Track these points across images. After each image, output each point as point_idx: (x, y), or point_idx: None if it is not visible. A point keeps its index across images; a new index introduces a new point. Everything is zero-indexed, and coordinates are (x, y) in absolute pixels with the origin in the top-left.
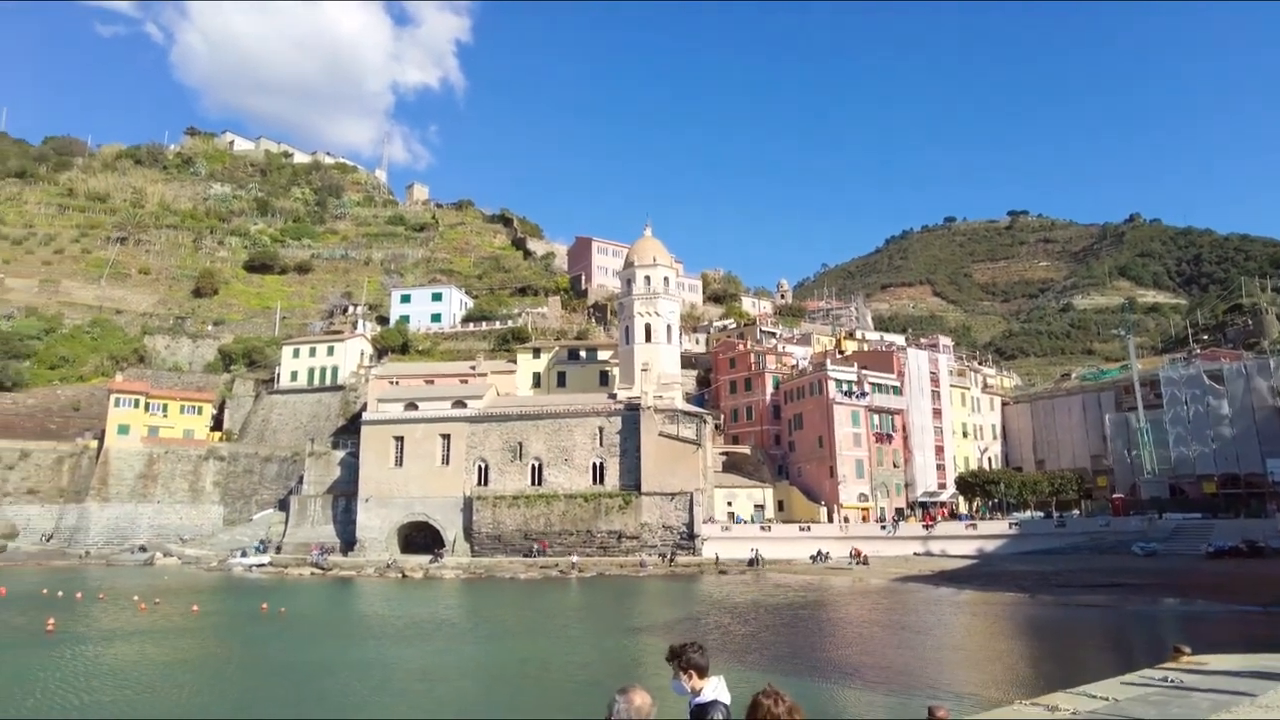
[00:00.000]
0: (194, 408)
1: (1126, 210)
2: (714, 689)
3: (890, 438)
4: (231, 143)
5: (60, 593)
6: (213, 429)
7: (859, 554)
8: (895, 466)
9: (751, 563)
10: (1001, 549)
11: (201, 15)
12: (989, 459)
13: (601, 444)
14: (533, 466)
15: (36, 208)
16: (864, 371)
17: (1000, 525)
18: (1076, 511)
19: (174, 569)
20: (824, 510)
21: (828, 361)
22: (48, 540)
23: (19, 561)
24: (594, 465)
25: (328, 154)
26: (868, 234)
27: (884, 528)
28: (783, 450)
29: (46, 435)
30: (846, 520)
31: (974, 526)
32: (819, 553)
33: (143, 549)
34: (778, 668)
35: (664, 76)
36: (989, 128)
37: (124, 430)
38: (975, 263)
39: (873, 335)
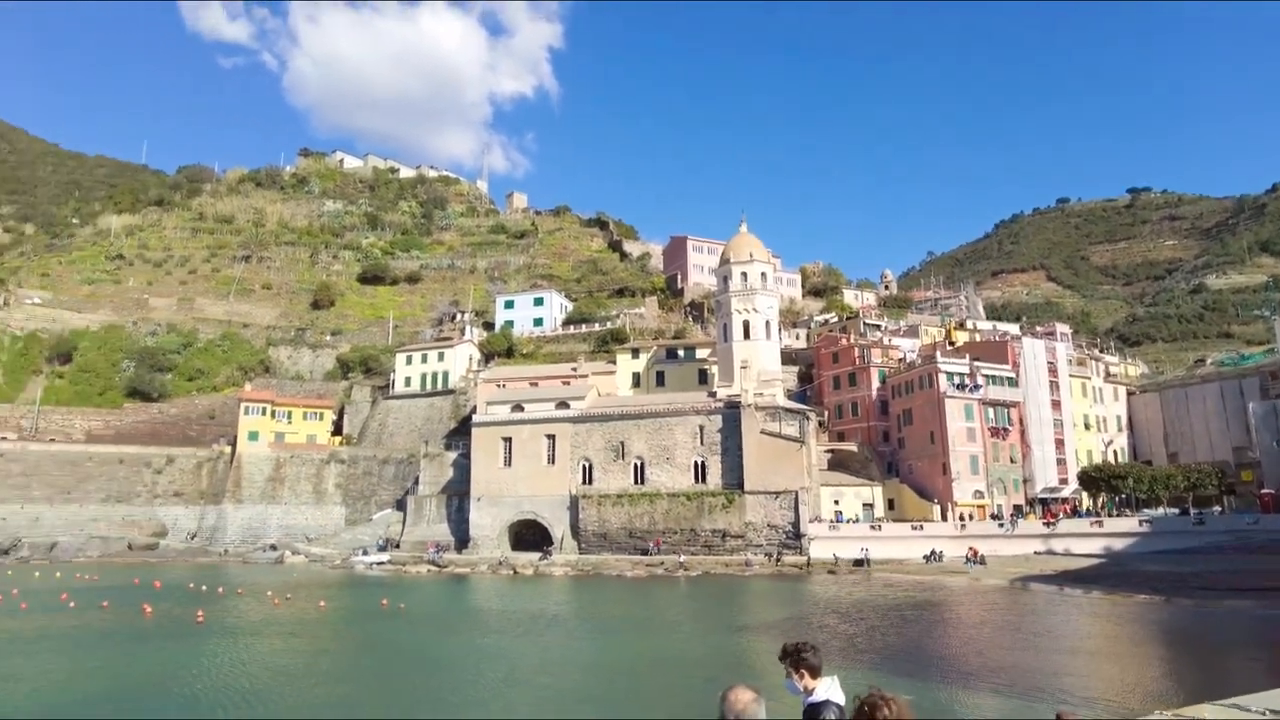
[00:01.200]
0: (316, 414)
1: (1267, 180)
2: (827, 689)
3: (1006, 431)
4: (341, 161)
5: (204, 587)
6: (333, 434)
7: (975, 553)
8: (1012, 461)
9: (860, 562)
10: (1131, 548)
11: (310, 40)
12: (1113, 452)
13: (702, 443)
14: (635, 465)
15: (173, 232)
16: (976, 363)
17: (1129, 523)
18: (1218, 508)
19: (301, 566)
20: (937, 508)
21: (937, 354)
22: (192, 538)
23: (169, 558)
24: (695, 464)
25: (431, 167)
26: (975, 219)
27: (1002, 526)
28: (891, 447)
29: (187, 442)
30: (962, 519)
31: (1099, 524)
32: (932, 552)
33: (273, 547)
34: (891, 668)
35: (756, 75)
36: (1101, 103)
37: (254, 436)
38: (1092, 245)
39: (984, 325)
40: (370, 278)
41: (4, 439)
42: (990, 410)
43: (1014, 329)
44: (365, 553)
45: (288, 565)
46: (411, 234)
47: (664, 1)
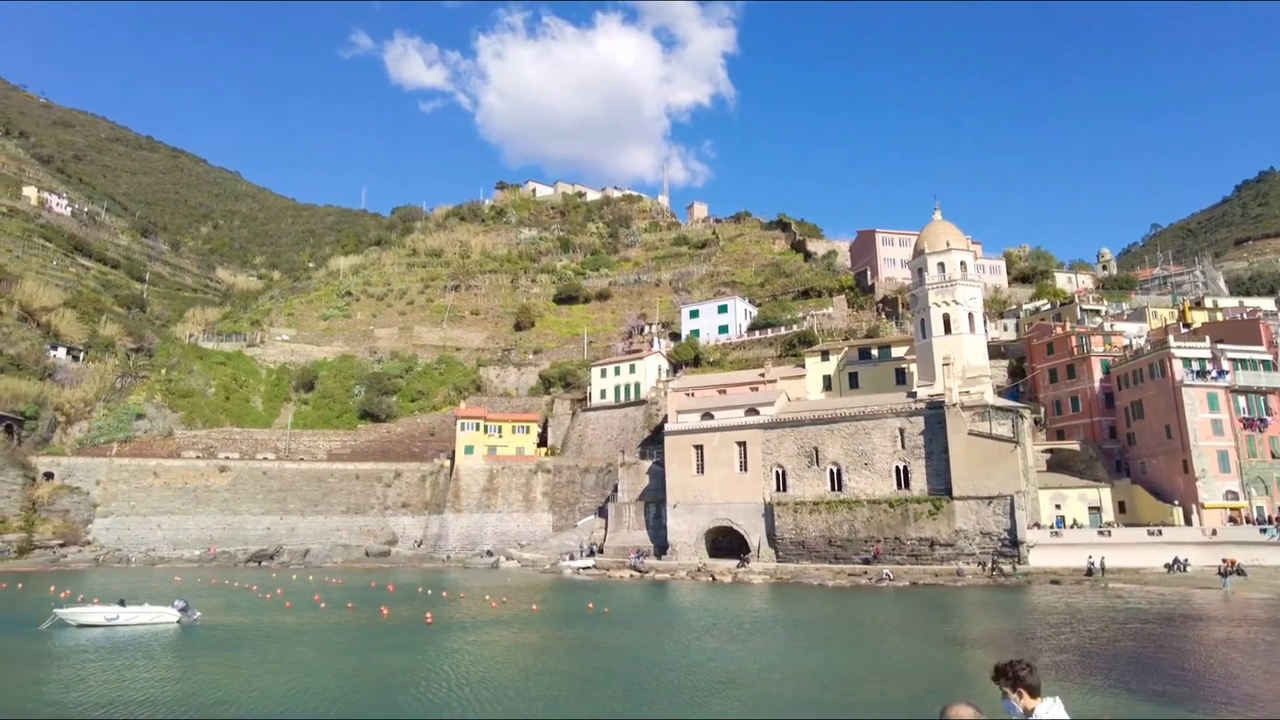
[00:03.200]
0: (523, 428)
1: None
2: (1048, 710)
3: (1264, 422)
4: (534, 190)
5: (430, 590)
6: (539, 445)
7: (1231, 563)
8: (1274, 457)
9: (1089, 572)
10: None
11: (498, 75)
12: None
13: (903, 446)
14: (830, 472)
15: (391, 268)
16: (1220, 346)
17: None
18: None
19: (515, 571)
20: (1178, 511)
21: (1170, 337)
22: (418, 545)
23: (400, 564)
24: (897, 469)
25: (615, 188)
26: (1211, 182)
27: (1264, 531)
28: (1119, 444)
29: (412, 457)
30: (1213, 525)
31: None
32: (1175, 561)
33: (489, 553)
34: (1126, 693)
35: (939, 54)
36: None
37: (469, 450)
38: None
39: (1228, 302)
40: (565, 298)
41: (266, 458)
42: (1241, 399)
43: (1268, 304)
44: (571, 558)
45: (503, 570)
46: (600, 253)
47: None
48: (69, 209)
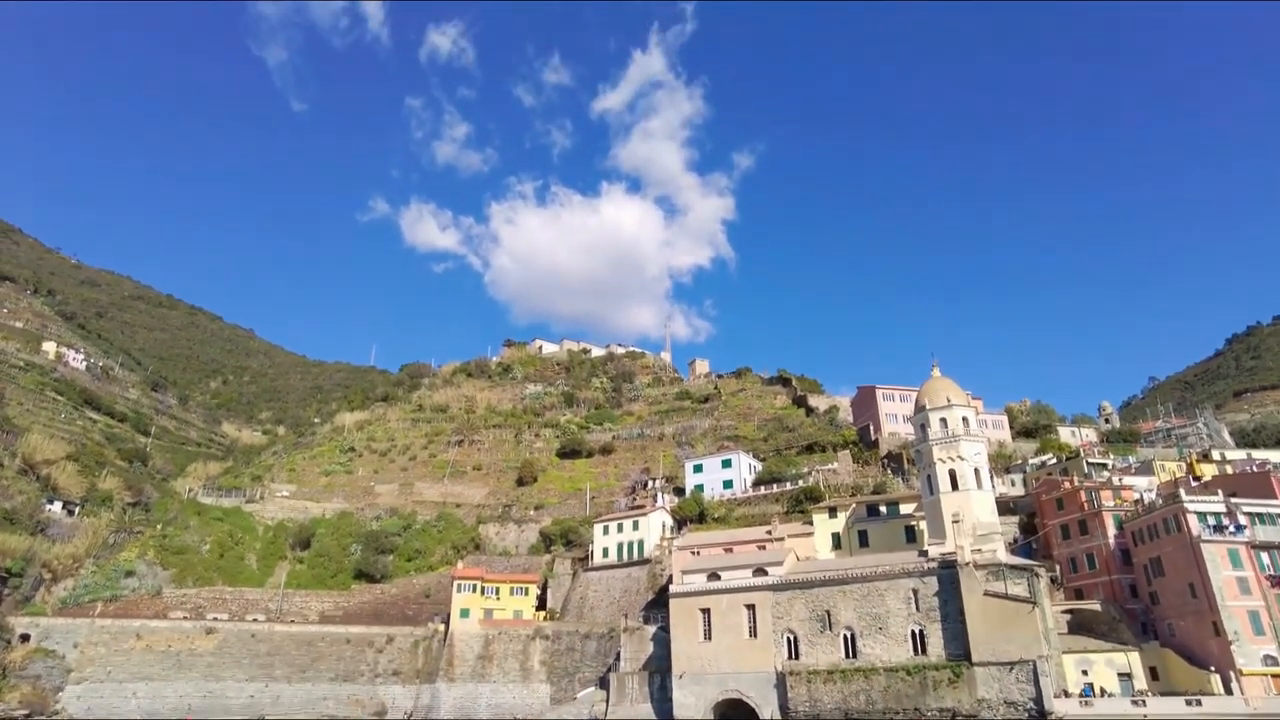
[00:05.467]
0: (521, 589)
1: None
2: None
3: None
4: (540, 348)
5: None
6: (538, 608)
7: None
8: None
9: None
10: None
11: (509, 238)
12: None
13: (918, 608)
14: (844, 637)
15: (396, 424)
16: (1234, 500)
17: None
18: None
19: None
20: (1216, 679)
21: (1181, 491)
22: (408, 717)
23: None
24: (912, 633)
25: (619, 345)
26: (1201, 335)
27: None
28: (1142, 604)
29: (405, 620)
30: (1255, 693)
31: None
32: None
33: None
34: None
35: (931, 215)
36: None
37: (465, 614)
38: None
39: (1235, 454)
40: (568, 452)
41: (256, 620)
42: (1264, 555)
43: (1276, 456)
44: None
45: None
46: (604, 408)
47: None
48: (84, 363)
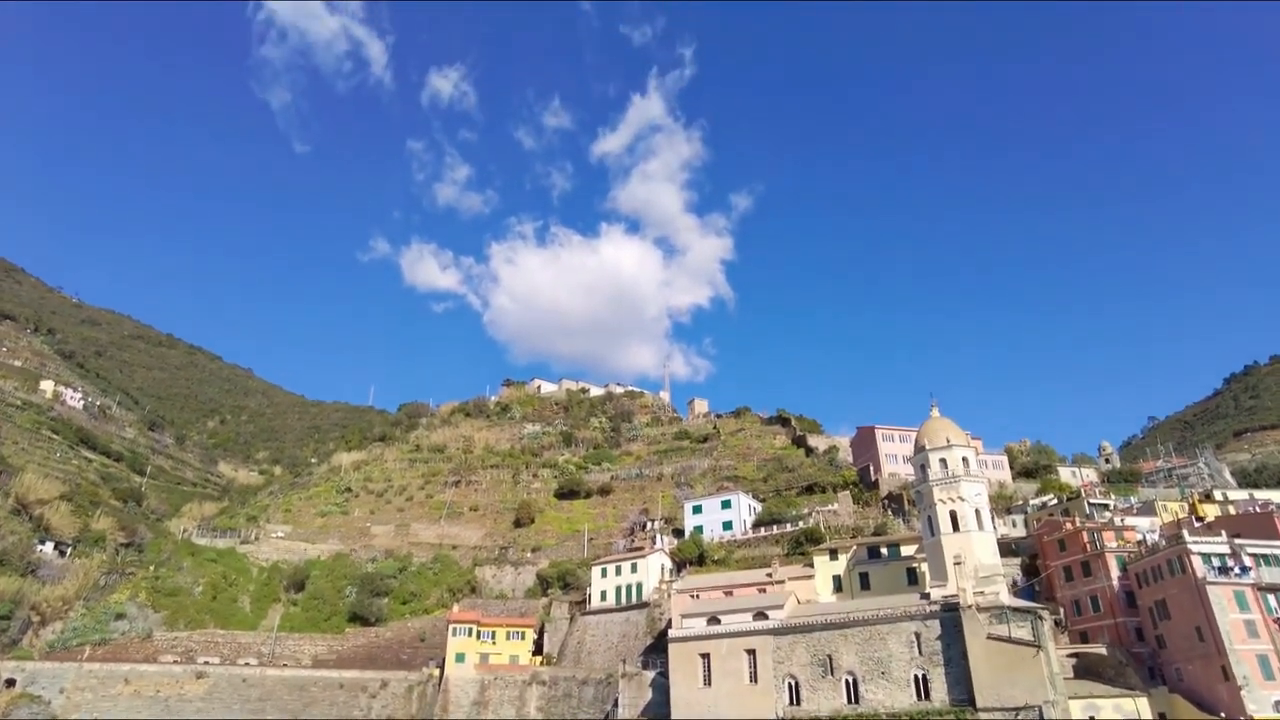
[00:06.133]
0: (518, 633)
1: None
2: None
3: None
4: (539, 387)
5: None
6: (534, 653)
7: None
8: None
9: None
10: None
11: (509, 278)
12: None
13: (920, 653)
14: (846, 682)
15: (393, 464)
16: (1238, 541)
17: None
18: None
19: None
20: None
21: (1184, 532)
22: None
23: None
24: (915, 678)
25: (618, 384)
26: (1200, 375)
27: None
28: (1149, 647)
29: (400, 665)
30: None
31: None
32: None
33: None
34: None
35: (929, 254)
36: None
37: (460, 658)
38: None
39: (1238, 494)
40: (566, 492)
41: (247, 664)
42: (1270, 597)
43: (1279, 496)
44: None
45: None
46: (602, 448)
47: (831, 203)
48: (82, 402)
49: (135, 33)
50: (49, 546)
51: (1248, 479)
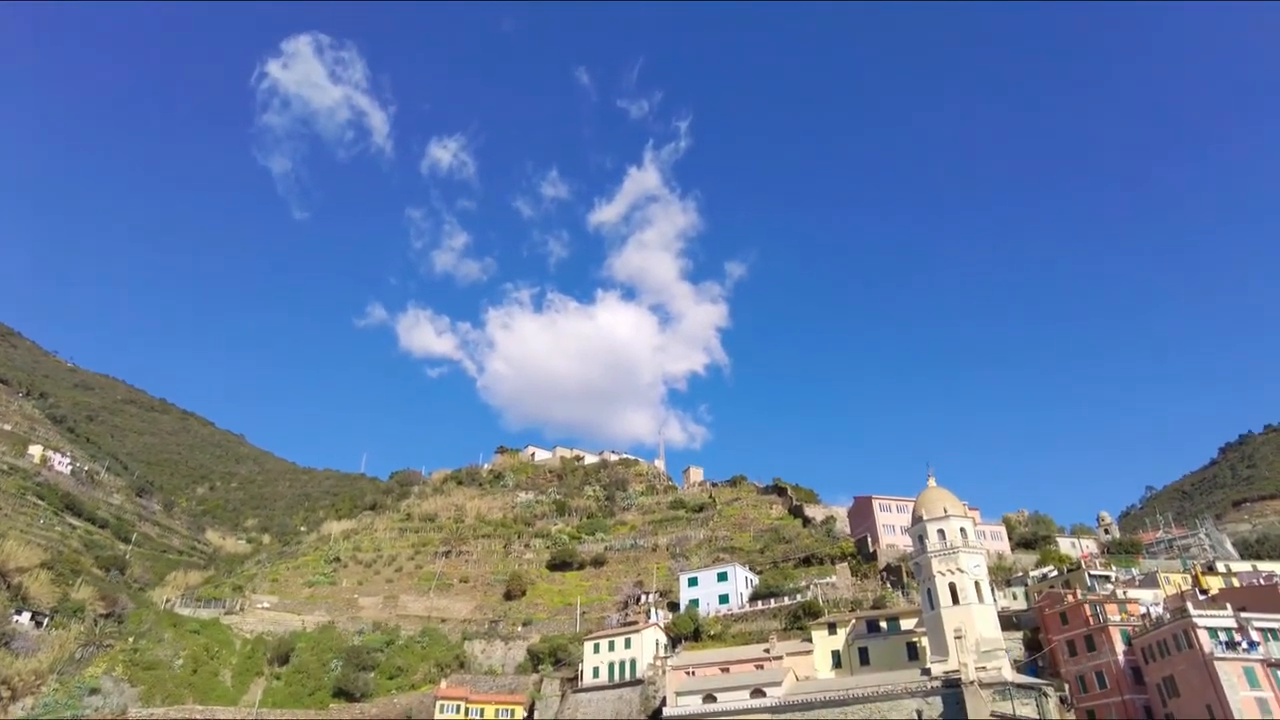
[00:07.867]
0: (507, 710)
1: None
2: None
3: None
4: (533, 454)
5: None
6: None
7: None
8: None
9: None
10: None
11: (504, 344)
12: None
13: None
14: None
15: (383, 533)
16: (1244, 614)
17: None
18: None
19: None
20: None
21: (1189, 605)
22: None
23: None
24: None
25: (613, 451)
26: (1195, 445)
27: None
28: None
29: None
30: None
31: None
32: None
33: None
34: None
35: (922, 325)
36: None
37: None
38: None
39: (1240, 566)
40: (559, 564)
41: None
42: None
43: None
44: None
45: None
46: (596, 517)
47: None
48: (70, 467)
49: (138, 96)
50: (25, 617)
51: (1249, 550)
